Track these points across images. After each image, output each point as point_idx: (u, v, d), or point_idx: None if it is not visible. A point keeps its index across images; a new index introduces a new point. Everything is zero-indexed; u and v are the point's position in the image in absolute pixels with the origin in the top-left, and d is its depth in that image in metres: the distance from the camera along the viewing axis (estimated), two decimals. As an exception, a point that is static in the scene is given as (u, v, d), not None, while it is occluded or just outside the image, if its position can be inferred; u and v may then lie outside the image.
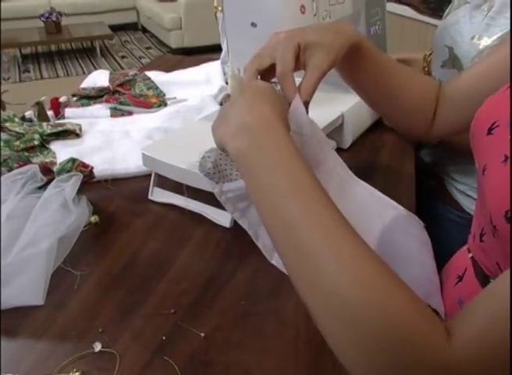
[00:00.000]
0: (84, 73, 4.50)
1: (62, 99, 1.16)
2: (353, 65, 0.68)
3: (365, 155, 0.96)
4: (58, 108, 1.12)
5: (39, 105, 1.06)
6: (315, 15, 0.79)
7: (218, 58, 1.33)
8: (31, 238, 0.63)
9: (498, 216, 0.42)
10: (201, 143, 0.83)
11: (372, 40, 1.01)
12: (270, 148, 0.46)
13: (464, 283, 0.54)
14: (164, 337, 0.56)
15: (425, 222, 0.84)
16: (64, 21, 4.94)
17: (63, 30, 4.94)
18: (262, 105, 0.50)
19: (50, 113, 1.09)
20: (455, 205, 0.95)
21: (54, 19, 4.80)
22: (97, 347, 0.54)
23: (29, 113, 1.06)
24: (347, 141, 0.98)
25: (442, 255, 0.66)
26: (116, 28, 5.57)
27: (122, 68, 4.63)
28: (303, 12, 0.77)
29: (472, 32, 0.90)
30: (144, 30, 5.91)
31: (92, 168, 0.79)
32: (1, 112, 0.96)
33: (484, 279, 0.50)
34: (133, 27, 6.01)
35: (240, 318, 0.59)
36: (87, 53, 5.12)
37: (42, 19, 4.78)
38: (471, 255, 0.54)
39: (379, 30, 1.03)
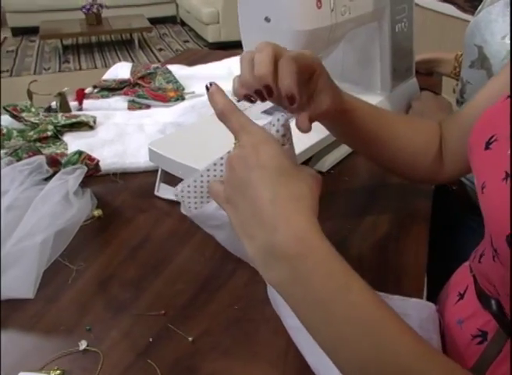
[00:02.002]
0: (122, 64, 4.56)
1: (88, 90, 1.16)
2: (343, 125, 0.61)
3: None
4: (82, 98, 1.12)
5: (61, 96, 1.06)
6: (333, 10, 0.75)
7: (242, 53, 1.31)
8: (28, 230, 0.62)
9: (499, 239, 0.38)
10: (210, 140, 0.81)
11: (397, 38, 0.97)
12: (316, 280, 0.36)
13: (464, 302, 0.50)
14: (151, 339, 0.54)
15: (443, 227, 0.79)
16: (104, 13, 5.03)
17: (103, 22, 5.03)
18: (290, 209, 0.37)
19: (74, 104, 1.09)
20: (476, 210, 0.90)
21: (95, 11, 4.90)
22: (83, 345, 0.53)
23: (54, 104, 1.06)
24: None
25: (457, 261, 0.62)
26: (155, 21, 5.62)
27: (159, 60, 4.67)
28: (319, 7, 0.73)
29: (504, 31, 0.84)
30: (183, 24, 5.94)
31: (98, 161, 0.78)
32: (19, 102, 0.97)
33: (485, 300, 0.46)
34: (171, 20, 6.06)
35: (230, 323, 0.57)
36: (125, 45, 5.19)
37: (83, 10, 4.88)
38: (472, 273, 0.50)
39: (405, 28, 0.99)
